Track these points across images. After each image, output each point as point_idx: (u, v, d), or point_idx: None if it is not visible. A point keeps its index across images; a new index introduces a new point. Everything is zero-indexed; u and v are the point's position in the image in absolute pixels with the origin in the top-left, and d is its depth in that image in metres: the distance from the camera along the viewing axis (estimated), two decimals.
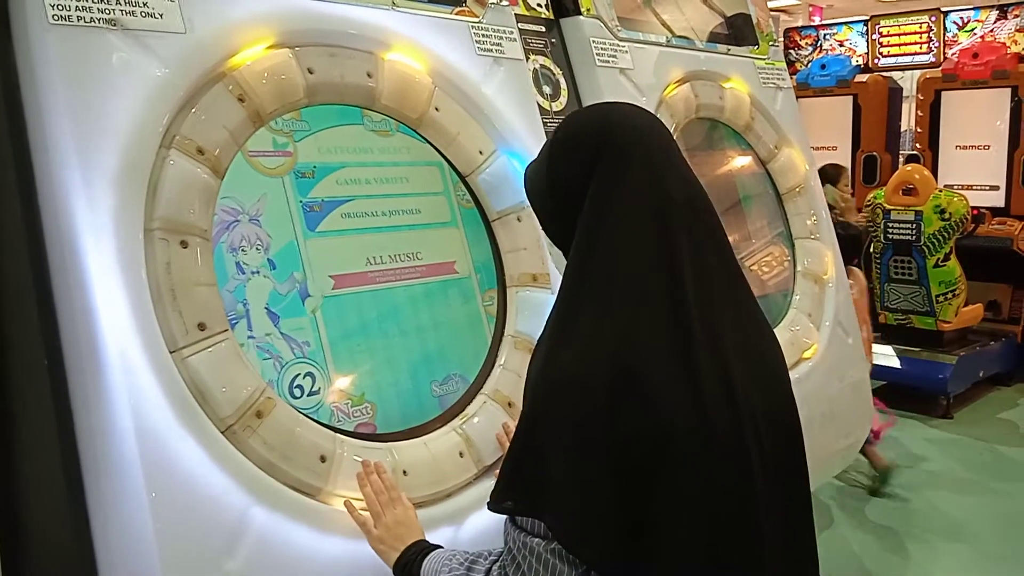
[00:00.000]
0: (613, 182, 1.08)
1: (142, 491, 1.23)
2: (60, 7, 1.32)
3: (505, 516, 1.10)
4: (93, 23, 1.36)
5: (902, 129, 6.69)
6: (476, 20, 1.99)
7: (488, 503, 1.11)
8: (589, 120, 1.17)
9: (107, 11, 1.37)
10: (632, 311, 1.04)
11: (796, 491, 1.20)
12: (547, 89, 2.22)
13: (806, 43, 7.08)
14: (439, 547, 1.28)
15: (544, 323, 1.13)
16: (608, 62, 2.34)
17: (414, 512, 1.38)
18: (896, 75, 6.62)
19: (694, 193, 1.12)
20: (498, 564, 1.12)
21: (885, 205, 4.97)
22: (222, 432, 1.33)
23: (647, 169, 1.09)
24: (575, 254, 1.11)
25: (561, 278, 1.13)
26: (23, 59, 1.35)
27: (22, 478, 1.39)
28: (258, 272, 1.50)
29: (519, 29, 2.12)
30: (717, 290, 1.10)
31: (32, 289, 1.32)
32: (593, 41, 2.33)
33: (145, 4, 1.42)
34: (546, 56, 2.26)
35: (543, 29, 2.28)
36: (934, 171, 5.50)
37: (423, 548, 1.28)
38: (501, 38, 2.03)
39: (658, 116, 1.20)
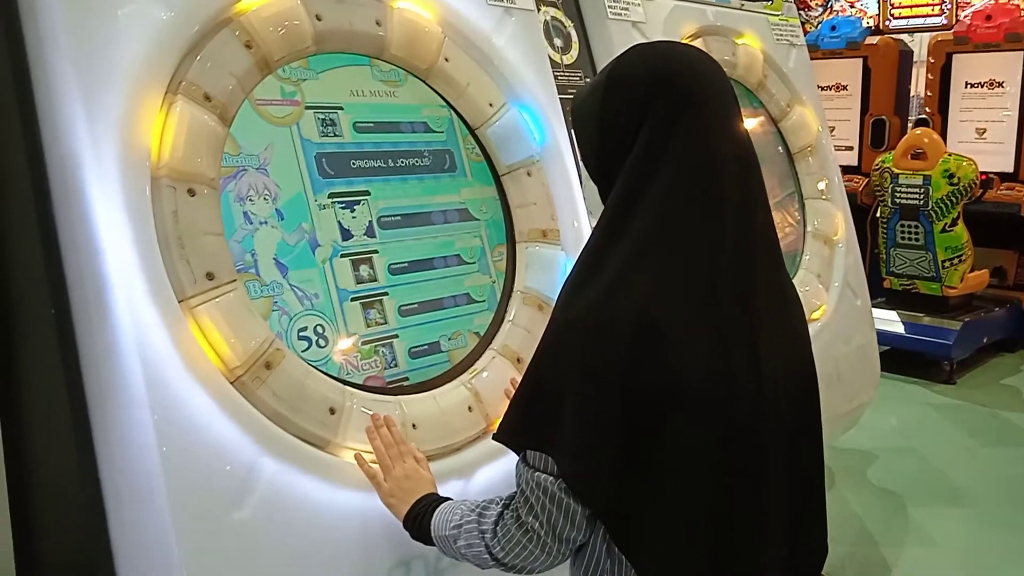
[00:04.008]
0: (666, 131, 1.04)
1: (152, 441, 1.22)
2: None
3: (516, 459, 1.10)
4: None
5: (911, 93, 6.60)
6: None
7: (494, 434, 1.11)
8: (651, 59, 1.11)
9: None
10: (667, 266, 1.02)
11: (810, 454, 1.20)
12: (558, 42, 2.17)
13: (816, 4, 6.96)
14: (449, 499, 1.27)
15: (563, 276, 1.11)
16: (620, 15, 2.29)
17: (425, 464, 1.38)
18: (907, 38, 6.52)
19: (745, 151, 1.09)
20: (510, 507, 1.11)
21: (893, 169, 4.91)
22: (231, 383, 1.32)
23: (702, 121, 1.05)
24: (615, 199, 1.07)
25: (598, 219, 1.10)
26: (25, 0, 1.31)
27: (29, 428, 1.38)
28: (266, 222, 1.48)
29: None
30: (756, 253, 1.09)
31: (38, 238, 1.30)
32: None
33: None
34: (557, 8, 2.21)
35: None
36: (943, 136, 5.44)
37: (433, 501, 1.27)
38: None
39: None
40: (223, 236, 1.37)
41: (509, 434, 1.10)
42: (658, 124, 1.05)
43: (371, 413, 1.44)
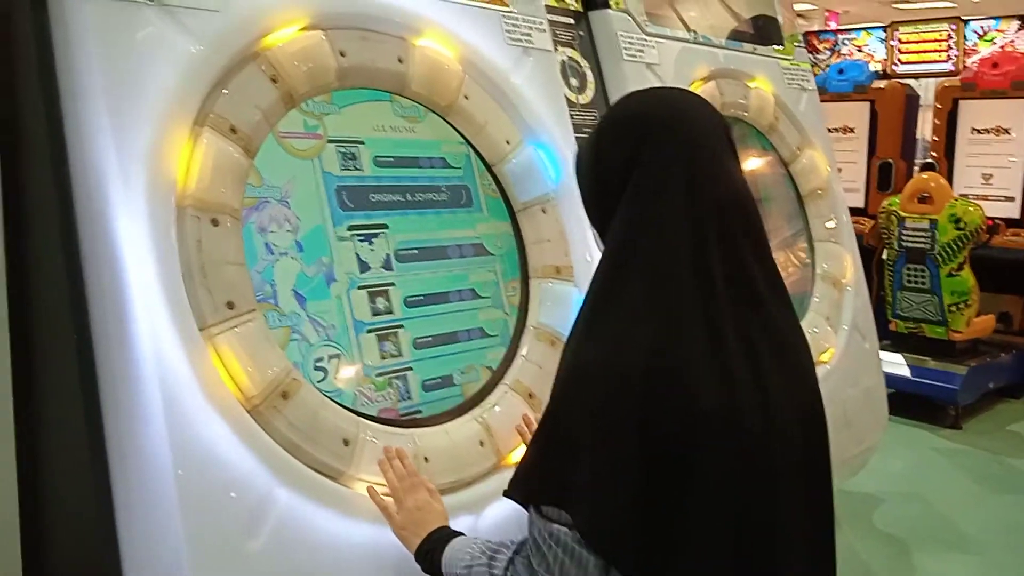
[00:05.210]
0: (654, 175, 1.07)
1: (168, 465, 1.23)
2: None
3: (528, 506, 1.09)
4: None
5: (917, 137, 6.66)
6: (507, 9, 1.98)
7: (505, 491, 1.11)
8: (638, 106, 1.15)
9: None
10: (666, 306, 1.04)
11: (820, 493, 1.19)
12: (574, 82, 2.21)
13: (824, 47, 7.05)
14: (461, 534, 1.27)
15: (576, 313, 1.12)
16: (635, 56, 2.33)
17: (438, 497, 1.38)
18: (913, 83, 6.59)
19: (736, 192, 1.11)
20: (521, 555, 1.11)
21: (900, 212, 4.94)
22: (248, 411, 1.32)
23: (689, 165, 1.07)
24: (611, 244, 1.10)
25: (596, 265, 1.12)
26: (59, 32, 1.34)
27: (47, 452, 1.39)
28: (286, 253, 1.49)
29: (548, 20, 2.11)
30: (752, 291, 1.09)
31: (63, 263, 1.32)
32: (621, 35, 2.32)
33: None
34: (574, 48, 2.25)
35: (572, 21, 2.27)
36: (949, 180, 5.47)
37: (445, 536, 1.27)
38: (531, 28, 2.02)
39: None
40: (245, 266, 1.38)
41: (523, 489, 1.10)
42: (647, 169, 1.07)
43: (383, 446, 1.44)
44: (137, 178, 1.29)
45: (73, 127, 1.32)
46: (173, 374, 1.26)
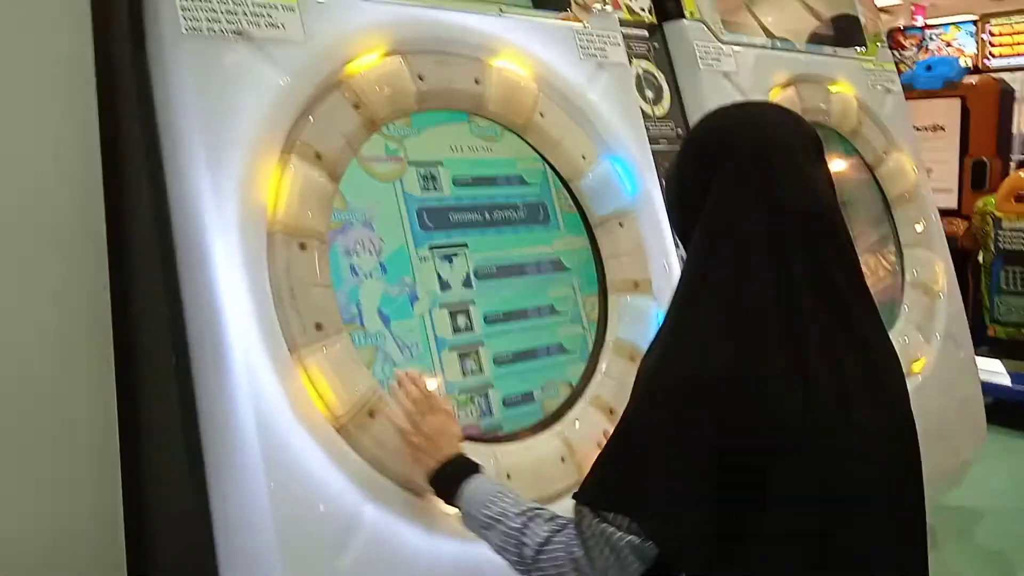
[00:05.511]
0: (731, 189, 1.08)
1: (262, 484, 1.28)
2: (192, 19, 1.39)
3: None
4: (222, 33, 1.41)
5: (1013, 132, 6.36)
6: (581, 25, 1.99)
7: (575, 494, 1.10)
8: (717, 120, 1.17)
9: (234, 22, 1.43)
10: (747, 318, 1.03)
11: (911, 511, 1.16)
12: (650, 94, 2.20)
13: (910, 44, 6.81)
14: (478, 465, 1.30)
15: (655, 327, 1.12)
16: (711, 65, 2.31)
17: (454, 419, 1.39)
18: (1007, 76, 6.30)
19: (818, 203, 1.09)
20: (563, 536, 1.10)
21: (996, 213, 4.73)
22: (336, 430, 1.36)
23: (769, 179, 1.07)
24: (692, 257, 1.12)
25: (679, 276, 1.13)
26: (156, 67, 1.42)
27: (149, 468, 1.46)
28: (371, 275, 1.54)
29: (622, 34, 2.11)
30: (837, 302, 1.08)
31: (162, 288, 1.38)
32: (697, 44, 2.30)
33: (269, 15, 1.47)
34: (649, 60, 2.24)
35: (646, 34, 2.27)
36: None
37: (465, 465, 1.29)
38: (605, 43, 2.03)
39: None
40: (331, 288, 1.43)
41: (592, 495, 1.09)
42: (726, 183, 1.08)
43: (395, 371, 1.45)
44: (230, 206, 1.35)
45: (170, 158, 1.40)
46: (265, 393, 1.31)
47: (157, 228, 1.39)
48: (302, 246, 1.40)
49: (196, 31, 1.39)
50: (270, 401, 1.31)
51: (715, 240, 1.08)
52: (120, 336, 1.46)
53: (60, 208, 1.41)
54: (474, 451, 1.51)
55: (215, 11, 1.41)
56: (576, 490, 1.11)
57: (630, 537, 1.03)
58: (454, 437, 1.35)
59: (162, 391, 1.40)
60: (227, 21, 1.42)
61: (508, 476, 1.51)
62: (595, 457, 1.60)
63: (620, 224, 1.88)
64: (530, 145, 1.85)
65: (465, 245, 1.71)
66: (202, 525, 1.33)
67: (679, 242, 1.20)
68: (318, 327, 1.38)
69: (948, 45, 6.61)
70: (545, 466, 1.58)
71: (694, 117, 2.25)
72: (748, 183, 1.07)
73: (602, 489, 1.09)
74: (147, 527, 1.46)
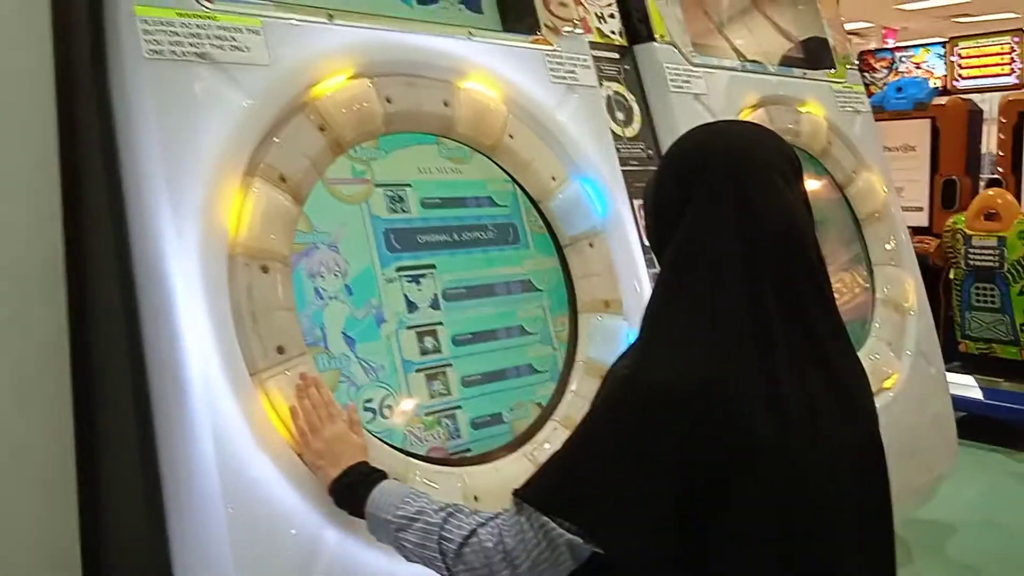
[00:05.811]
0: (705, 207, 1.09)
1: (220, 509, 1.26)
2: (155, 42, 1.38)
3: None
4: (185, 56, 1.41)
5: (982, 152, 6.45)
6: (551, 48, 2.00)
7: (516, 490, 1.07)
8: (694, 138, 1.17)
9: (198, 45, 1.43)
10: (719, 334, 1.03)
11: (879, 534, 1.16)
12: (620, 115, 2.21)
13: (881, 66, 6.91)
14: (384, 473, 1.27)
15: (625, 347, 1.12)
16: (682, 88, 2.33)
17: (359, 429, 1.37)
18: (976, 97, 6.40)
19: (792, 223, 1.10)
20: (487, 530, 1.08)
21: (966, 231, 4.79)
22: (298, 454, 1.35)
23: (743, 197, 1.08)
24: (666, 271, 1.12)
25: (652, 289, 1.14)
26: (117, 91, 1.41)
27: (105, 496, 1.44)
28: (336, 297, 1.53)
29: (593, 56, 2.13)
30: (805, 322, 1.08)
31: (120, 311, 1.37)
32: (667, 67, 2.32)
33: (233, 38, 1.47)
34: (619, 83, 2.25)
35: (617, 56, 2.28)
36: (1017, 196, 5.28)
37: (369, 472, 1.27)
38: (575, 66, 2.04)
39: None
40: (294, 311, 1.42)
41: (538, 494, 1.06)
42: (701, 201, 1.09)
43: (299, 372, 1.39)
44: (191, 229, 1.34)
45: (131, 179, 1.38)
46: (224, 417, 1.30)
47: (116, 252, 1.37)
48: (264, 269, 1.39)
49: (158, 54, 1.38)
50: (229, 425, 1.29)
51: (688, 257, 1.08)
52: (78, 360, 1.44)
53: (18, 231, 1.39)
54: (441, 474, 1.51)
55: (177, 34, 1.40)
56: (518, 487, 1.08)
57: (570, 536, 1.02)
58: (357, 447, 1.33)
59: (120, 416, 1.38)
60: (190, 44, 1.42)
61: (476, 499, 1.50)
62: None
63: (590, 244, 1.89)
64: (499, 166, 1.85)
65: (433, 266, 1.70)
66: (160, 551, 1.31)
67: (656, 258, 1.20)
68: (280, 350, 1.36)
69: (918, 67, 6.73)
70: (514, 487, 1.56)
71: (665, 139, 2.26)
72: (722, 201, 1.08)
73: (553, 493, 1.06)
74: (104, 553, 1.43)
